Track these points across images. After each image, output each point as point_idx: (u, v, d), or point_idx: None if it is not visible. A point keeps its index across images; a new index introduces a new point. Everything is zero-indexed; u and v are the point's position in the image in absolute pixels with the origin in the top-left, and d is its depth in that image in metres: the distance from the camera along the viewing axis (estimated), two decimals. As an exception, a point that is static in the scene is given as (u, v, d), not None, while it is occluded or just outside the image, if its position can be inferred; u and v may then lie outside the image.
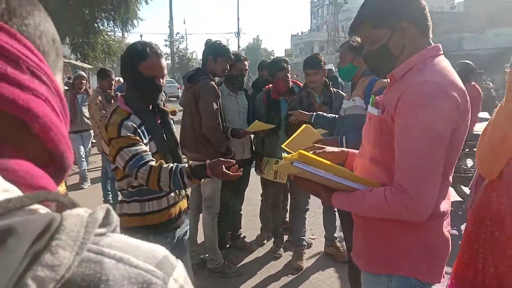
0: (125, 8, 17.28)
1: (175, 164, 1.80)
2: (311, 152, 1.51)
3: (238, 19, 35.81)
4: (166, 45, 34.91)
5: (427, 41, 1.39)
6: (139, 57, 1.80)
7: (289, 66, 3.51)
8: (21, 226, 0.31)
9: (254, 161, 3.71)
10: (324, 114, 3.01)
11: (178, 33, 38.91)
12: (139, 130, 1.78)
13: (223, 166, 1.74)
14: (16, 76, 0.39)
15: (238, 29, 37.15)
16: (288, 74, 3.50)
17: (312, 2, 59.98)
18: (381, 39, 1.38)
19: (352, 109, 2.64)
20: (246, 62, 3.54)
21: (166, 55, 36.48)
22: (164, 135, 1.94)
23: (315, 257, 3.69)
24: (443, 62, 1.35)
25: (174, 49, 34.91)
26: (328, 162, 1.33)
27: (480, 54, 22.52)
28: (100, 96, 4.87)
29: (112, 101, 4.87)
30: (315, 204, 3.64)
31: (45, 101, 0.42)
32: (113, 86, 5.23)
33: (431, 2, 45.76)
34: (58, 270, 0.31)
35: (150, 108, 1.91)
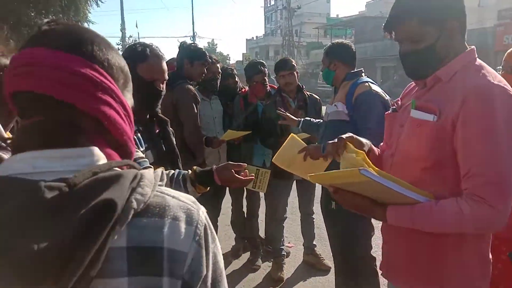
0: (74, 10, 16.52)
1: (177, 170, 1.59)
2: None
3: (193, 23, 35.73)
4: (119, 49, 33.88)
5: (464, 43, 1.31)
6: (138, 58, 1.63)
7: (266, 69, 3.40)
8: (125, 173, 0.59)
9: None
10: (310, 119, 2.91)
11: (131, 36, 37.88)
12: (134, 137, 1.57)
13: (233, 171, 1.53)
14: (95, 93, 0.63)
15: (194, 32, 36.79)
16: (265, 78, 3.38)
17: (266, 7, 60.74)
18: (428, 39, 1.27)
19: (334, 115, 2.56)
20: (218, 65, 3.38)
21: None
22: (163, 146, 1.75)
23: (295, 266, 3.57)
24: (485, 64, 1.28)
25: (127, 53, 34.00)
26: (387, 173, 1.18)
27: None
28: None
29: None
30: (289, 211, 3.53)
31: (111, 108, 0.65)
32: None
33: (380, 7, 47.74)
34: (145, 197, 0.59)
35: (148, 116, 1.72)
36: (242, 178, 1.55)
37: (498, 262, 1.74)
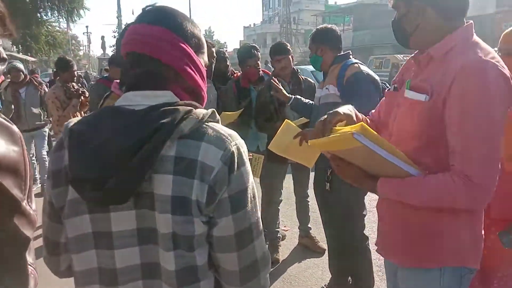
0: (70, -3, 16.34)
1: None
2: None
3: (190, 10, 35.14)
4: (115, 37, 33.65)
5: (457, 22, 1.31)
6: None
7: (259, 53, 3.41)
8: (180, 109, 0.86)
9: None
10: (301, 98, 2.94)
11: (127, 23, 37.69)
12: None
13: None
14: (173, 52, 0.91)
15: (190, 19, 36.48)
16: (258, 62, 3.39)
17: (264, -6, 60.22)
18: (399, 11, 1.36)
19: (326, 98, 2.60)
20: (213, 49, 3.38)
21: (114, 47, 35.13)
22: None
23: (290, 249, 3.63)
24: (481, 41, 1.28)
25: (124, 41, 33.74)
26: (384, 140, 1.19)
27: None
28: (58, 92, 4.35)
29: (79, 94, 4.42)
30: (283, 195, 3.58)
31: (184, 62, 0.93)
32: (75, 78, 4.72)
33: (378, -6, 47.35)
34: (189, 125, 0.86)
35: None
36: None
37: (487, 241, 1.78)
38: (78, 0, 17.19)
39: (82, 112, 4.59)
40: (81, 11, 18.64)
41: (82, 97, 4.43)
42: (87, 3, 13.31)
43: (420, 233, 1.36)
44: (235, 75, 3.66)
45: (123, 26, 32.47)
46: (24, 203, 1.05)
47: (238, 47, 32.44)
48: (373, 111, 1.68)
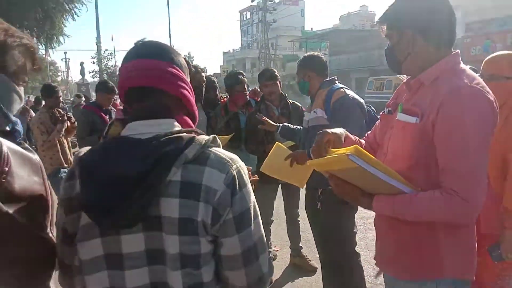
0: (50, 24, 16.29)
1: None
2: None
3: (170, 36, 35.44)
4: (94, 62, 33.48)
5: (445, 51, 1.42)
6: None
7: (245, 79, 3.54)
8: (184, 136, 0.95)
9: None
10: (289, 125, 3.07)
11: (106, 49, 37.50)
12: None
13: None
14: (177, 82, 1.02)
15: (171, 45, 36.73)
16: (245, 87, 3.52)
17: (242, 21, 61.37)
18: (391, 41, 1.46)
19: (314, 121, 2.71)
20: (203, 74, 3.50)
21: (94, 73, 34.77)
22: None
23: (283, 268, 3.68)
24: (467, 68, 1.40)
25: (103, 67, 33.54)
26: (378, 160, 1.27)
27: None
28: (43, 117, 4.33)
29: (66, 118, 4.40)
30: (274, 215, 3.65)
31: (187, 91, 1.04)
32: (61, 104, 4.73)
33: (353, 21, 49.00)
34: (193, 152, 0.92)
35: None
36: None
37: (479, 254, 1.87)
38: (57, 27, 17.07)
39: (69, 138, 4.59)
40: (61, 38, 18.44)
41: (68, 123, 4.45)
42: (66, 30, 13.25)
43: (415, 247, 1.42)
44: (223, 100, 3.78)
45: (102, 52, 32.36)
46: (47, 231, 1.12)
47: (219, 71, 32.76)
48: (368, 132, 1.78)
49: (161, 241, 0.93)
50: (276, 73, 3.43)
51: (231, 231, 0.95)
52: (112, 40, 65.53)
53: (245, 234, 0.97)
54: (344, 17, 53.40)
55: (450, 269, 1.39)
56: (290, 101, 3.55)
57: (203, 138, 0.97)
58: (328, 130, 1.52)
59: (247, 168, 1.41)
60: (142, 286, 0.96)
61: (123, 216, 0.89)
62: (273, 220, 3.61)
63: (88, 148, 1.02)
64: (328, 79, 2.78)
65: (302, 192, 3.21)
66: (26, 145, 1.25)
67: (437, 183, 1.30)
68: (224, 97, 3.84)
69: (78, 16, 14.96)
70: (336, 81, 2.77)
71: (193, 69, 3.19)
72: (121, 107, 1.97)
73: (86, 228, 0.96)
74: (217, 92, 3.82)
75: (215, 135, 1.02)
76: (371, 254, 3.76)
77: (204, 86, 3.48)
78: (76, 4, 18.65)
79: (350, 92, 2.65)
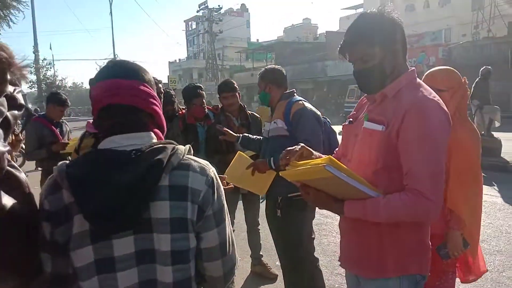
0: (-18, 31, 15.28)
1: None
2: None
3: (113, 45, 34.52)
4: (32, 72, 31.69)
5: (405, 66, 1.57)
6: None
7: (203, 92, 3.58)
8: (168, 146, 1.07)
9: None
10: (248, 135, 3.14)
11: (45, 58, 35.63)
12: None
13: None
14: (149, 99, 1.12)
15: (114, 55, 35.73)
16: (203, 100, 3.55)
17: (188, 31, 61.07)
18: (375, 58, 1.51)
19: (275, 131, 2.82)
20: (160, 85, 3.49)
21: (32, 83, 32.88)
22: None
23: (244, 278, 3.72)
24: (422, 82, 1.56)
25: (41, 76, 31.86)
26: (349, 169, 1.37)
27: (342, 80, 25.54)
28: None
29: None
30: (234, 226, 3.70)
31: (157, 107, 1.14)
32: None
33: (297, 33, 50.48)
34: (178, 159, 1.05)
35: None
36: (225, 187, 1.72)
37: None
38: (-10, 34, 15.90)
39: (13, 153, 4.34)
40: (-6, 46, 17.23)
41: (11, 136, 4.20)
42: (1, 38, 12.51)
43: (378, 246, 1.54)
44: (180, 112, 3.78)
45: (40, 61, 30.64)
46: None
47: (166, 81, 32.20)
48: (336, 149, 1.89)
49: (151, 241, 1.04)
50: (235, 85, 3.50)
51: (211, 226, 1.11)
52: (50, 48, 62.43)
53: (222, 228, 1.13)
54: (288, 29, 54.93)
55: (411, 265, 1.52)
56: (249, 112, 3.63)
57: (182, 148, 1.11)
58: (302, 144, 1.64)
59: (221, 176, 1.51)
60: (133, 285, 1.05)
61: (122, 220, 0.99)
62: (234, 230, 3.65)
63: (63, 162, 1.07)
64: (287, 91, 2.90)
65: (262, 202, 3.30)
66: (12, 162, 1.21)
67: (398, 186, 1.43)
68: (183, 109, 3.84)
69: (14, 23, 14.15)
70: (295, 94, 2.90)
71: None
72: (90, 120, 1.95)
73: (78, 236, 1.02)
74: (174, 106, 3.82)
75: (190, 145, 1.15)
76: (327, 259, 3.92)
77: (162, 97, 3.48)
78: (11, 11, 17.59)
79: (308, 105, 2.79)
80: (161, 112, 1.16)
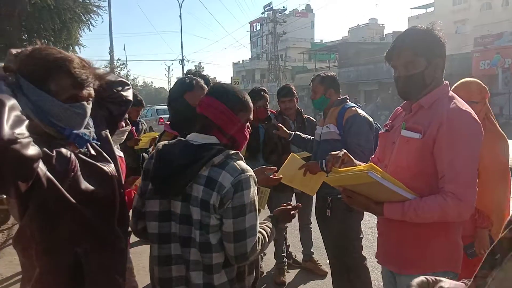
0: (66, 34, 16.72)
1: None
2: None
3: (181, 47, 36.22)
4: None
5: (442, 77, 1.70)
6: (186, 87, 2.19)
7: (267, 95, 3.82)
8: (215, 148, 1.46)
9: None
10: (301, 134, 3.35)
11: (119, 59, 38.16)
12: None
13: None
14: (222, 117, 1.53)
15: (182, 56, 37.40)
16: (267, 103, 3.79)
17: (252, 32, 62.01)
18: (418, 67, 1.65)
19: (327, 135, 2.99)
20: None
21: (107, 70, 35.15)
22: None
23: (295, 272, 3.93)
24: (455, 95, 1.69)
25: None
26: (389, 175, 1.52)
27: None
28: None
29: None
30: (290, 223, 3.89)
31: (226, 122, 1.52)
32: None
33: (363, 33, 49.17)
34: (217, 159, 1.42)
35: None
36: (274, 178, 2.01)
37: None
38: (74, 37, 17.46)
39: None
40: (76, 48, 18.82)
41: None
42: (82, 40, 13.68)
43: (414, 244, 1.68)
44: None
45: (115, 62, 32.80)
46: (115, 227, 1.58)
47: (230, 82, 33.01)
48: (372, 156, 2.05)
49: (190, 210, 1.45)
50: (293, 90, 3.70)
51: (229, 216, 1.41)
52: (124, 49, 66.43)
53: (239, 220, 1.42)
54: (354, 30, 53.63)
55: (444, 262, 1.65)
56: (305, 116, 3.82)
57: (229, 151, 1.47)
58: (344, 150, 1.83)
59: (271, 167, 1.96)
60: (174, 233, 1.49)
61: (172, 186, 1.45)
62: (287, 227, 3.86)
63: (164, 142, 1.60)
64: (340, 97, 3.06)
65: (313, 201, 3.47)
66: (104, 154, 1.53)
67: (434, 189, 1.58)
68: None
69: (94, 27, 15.37)
70: (348, 100, 3.05)
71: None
72: (168, 122, 2.27)
73: (151, 191, 1.52)
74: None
75: (238, 151, 1.50)
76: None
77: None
78: (92, 15, 19.00)
79: (360, 111, 2.93)
80: (231, 128, 1.53)
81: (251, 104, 1.60)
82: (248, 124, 1.61)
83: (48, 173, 1.21)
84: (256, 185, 1.48)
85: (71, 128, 1.34)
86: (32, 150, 1.06)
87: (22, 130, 1.05)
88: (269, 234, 1.62)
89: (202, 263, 1.45)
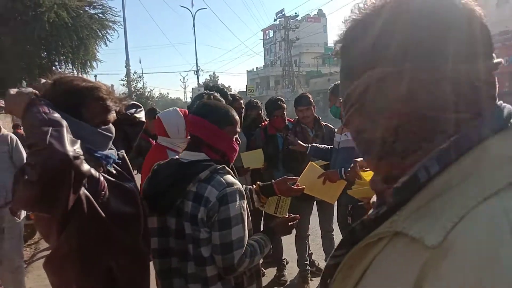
0: (84, 50, 17.14)
1: (245, 185, 2.00)
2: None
3: (196, 58, 36.69)
4: (123, 85, 34.83)
5: None
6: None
7: (284, 104, 3.85)
8: (202, 163, 1.59)
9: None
10: (318, 145, 3.36)
11: (135, 72, 38.86)
12: None
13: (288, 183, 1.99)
14: (205, 132, 1.65)
15: (197, 67, 37.84)
16: (284, 112, 3.82)
17: (265, 40, 62.30)
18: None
19: (345, 143, 2.99)
20: (241, 101, 3.83)
21: (124, 95, 35.88)
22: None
23: (319, 280, 3.88)
24: None
25: (132, 88, 34.81)
26: None
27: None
28: None
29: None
30: (309, 230, 3.90)
31: (214, 138, 1.62)
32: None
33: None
34: (204, 175, 1.54)
35: None
36: (296, 188, 2.02)
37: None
38: (91, 53, 17.88)
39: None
40: (94, 63, 19.26)
41: None
42: (99, 55, 14.04)
43: None
44: (263, 123, 4.09)
45: (131, 75, 33.38)
46: (139, 242, 1.61)
47: (243, 90, 33.23)
48: None
49: (182, 225, 1.53)
50: (310, 99, 3.70)
51: (215, 228, 1.48)
52: (140, 62, 67.63)
53: (225, 233, 1.48)
54: (367, 32, 53.09)
55: None
56: (323, 123, 3.83)
57: (215, 167, 1.55)
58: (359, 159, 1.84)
59: (293, 178, 2.01)
60: (172, 248, 1.59)
61: (160, 205, 1.57)
62: (309, 234, 3.86)
63: (160, 162, 1.73)
64: None
65: (335, 208, 3.47)
66: (125, 173, 1.60)
67: None
68: (265, 121, 4.15)
69: (110, 42, 15.69)
70: None
71: (231, 98, 3.53)
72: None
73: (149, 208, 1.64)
74: (259, 112, 4.14)
75: (224, 165, 1.57)
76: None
77: (243, 111, 3.82)
78: (108, 31, 19.42)
79: None
80: (219, 143, 1.62)
81: (236, 117, 1.66)
82: (236, 136, 1.67)
83: (86, 192, 1.27)
84: (244, 198, 1.54)
85: (99, 150, 1.42)
86: (86, 166, 1.18)
87: (79, 148, 1.16)
88: (262, 245, 1.65)
89: (198, 275, 1.53)
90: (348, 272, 0.59)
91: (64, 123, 1.18)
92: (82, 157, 1.16)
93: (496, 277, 0.39)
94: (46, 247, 4.90)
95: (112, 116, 1.51)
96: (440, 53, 0.53)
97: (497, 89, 0.58)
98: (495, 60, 0.58)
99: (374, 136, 0.59)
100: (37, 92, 1.35)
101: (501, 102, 0.58)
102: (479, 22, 0.56)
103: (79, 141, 1.18)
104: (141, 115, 1.84)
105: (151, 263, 1.65)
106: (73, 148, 1.13)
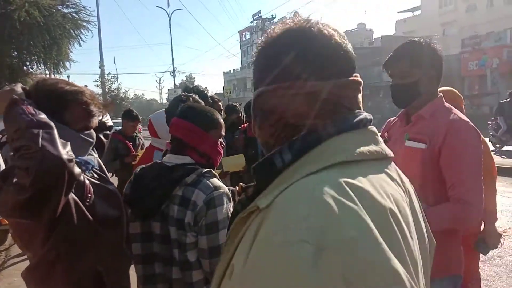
0: (57, 50, 16.67)
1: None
2: None
3: (172, 58, 36.32)
4: (97, 86, 34.09)
5: (437, 90, 1.76)
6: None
7: None
8: (187, 167, 1.52)
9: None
10: None
11: (109, 73, 38.17)
12: None
13: None
14: (189, 134, 1.57)
15: (173, 68, 37.50)
16: None
17: (241, 41, 62.32)
18: (412, 77, 1.70)
19: None
20: (220, 103, 3.80)
21: (98, 96, 35.17)
22: None
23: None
24: (451, 106, 1.74)
25: (106, 89, 34.15)
26: None
27: (399, 85, 24.73)
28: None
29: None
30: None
31: (199, 141, 1.57)
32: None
33: (351, 38, 49.60)
34: (190, 179, 1.49)
35: None
36: None
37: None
38: (64, 53, 17.43)
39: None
40: (67, 63, 18.77)
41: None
42: (72, 56, 13.72)
43: (437, 250, 1.72)
44: (243, 125, 4.07)
45: (106, 76, 32.77)
46: (123, 244, 1.55)
47: (220, 91, 33.15)
48: None
49: (168, 229, 1.49)
50: None
51: (203, 232, 1.45)
52: (114, 63, 66.59)
53: (212, 237, 1.45)
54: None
55: (452, 266, 1.70)
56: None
57: (202, 170, 1.52)
58: None
59: None
60: (157, 253, 1.54)
61: (145, 209, 1.51)
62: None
63: (142, 166, 1.65)
64: None
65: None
66: (105, 176, 1.55)
67: (443, 197, 1.62)
68: (246, 122, 4.14)
69: (84, 41, 15.36)
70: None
71: (210, 100, 3.50)
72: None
73: (131, 214, 1.57)
74: (239, 115, 4.14)
75: (210, 169, 1.54)
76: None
77: (222, 114, 3.79)
78: (82, 30, 18.99)
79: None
80: (204, 146, 1.58)
81: (221, 121, 1.64)
82: (221, 140, 1.66)
83: (74, 195, 1.23)
84: (231, 201, 1.53)
85: (79, 155, 1.39)
86: (77, 169, 1.17)
87: (70, 151, 1.15)
88: None
89: (184, 281, 1.49)
90: (232, 240, 0.69)
91: (53, 125, 1.15)
92: (75, 160, 1.14)
93: (296, 224, 0.52)
94: (18, 253, 4.72)
95: (95, 121, 1.49)
96: (292, 74, 0.69)
97: (358, 100, 0.75)
98: (351, 78, 0.72)
99: (263, 140, 0.78)
100: (28, 90, 1.31)
101: (359, 111, 0.74)
102: (334, 48, 0.72)
103: (69, 144, 1.16)
104: (109, 120, 1.83)
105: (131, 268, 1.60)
106: (65, 151, 1.11)
